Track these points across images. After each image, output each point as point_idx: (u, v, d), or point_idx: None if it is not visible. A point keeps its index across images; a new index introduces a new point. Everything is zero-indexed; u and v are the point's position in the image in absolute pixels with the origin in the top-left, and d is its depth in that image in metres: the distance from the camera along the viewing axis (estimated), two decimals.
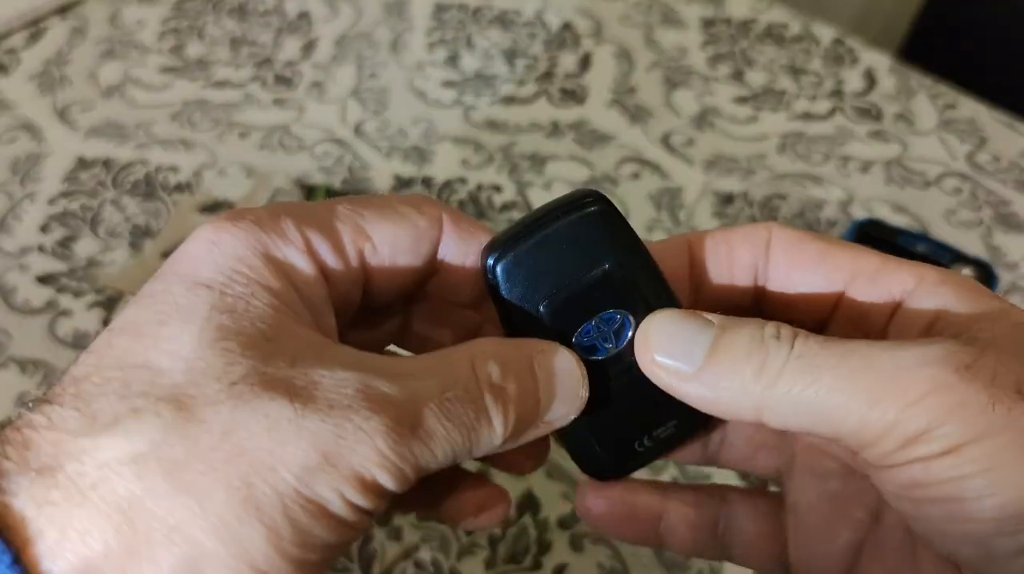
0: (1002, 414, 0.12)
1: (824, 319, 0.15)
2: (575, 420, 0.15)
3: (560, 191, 0.38)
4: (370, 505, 0.12)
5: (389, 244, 0.15)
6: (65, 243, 0.35)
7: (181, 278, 0.13)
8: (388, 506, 0.13)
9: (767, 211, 0.38)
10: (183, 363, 0.12)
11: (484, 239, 0.16)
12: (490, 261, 0.15)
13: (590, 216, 0.15)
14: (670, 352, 0.14)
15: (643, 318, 0.15)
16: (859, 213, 0.38)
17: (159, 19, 0.45)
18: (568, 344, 0.15)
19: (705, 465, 0.18)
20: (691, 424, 0.16)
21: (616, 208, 0.15)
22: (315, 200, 0.37)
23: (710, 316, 0.14)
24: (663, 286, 0.15)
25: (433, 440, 0.13)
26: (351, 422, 0.12)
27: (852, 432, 0.12)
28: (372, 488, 0.12)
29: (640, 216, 0.37)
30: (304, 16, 0.46)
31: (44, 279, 0.34)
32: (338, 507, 0.12)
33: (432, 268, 0.16)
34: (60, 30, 0.44)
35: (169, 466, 0.11)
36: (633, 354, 0.15)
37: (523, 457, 0.16)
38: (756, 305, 0.16)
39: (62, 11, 0.45)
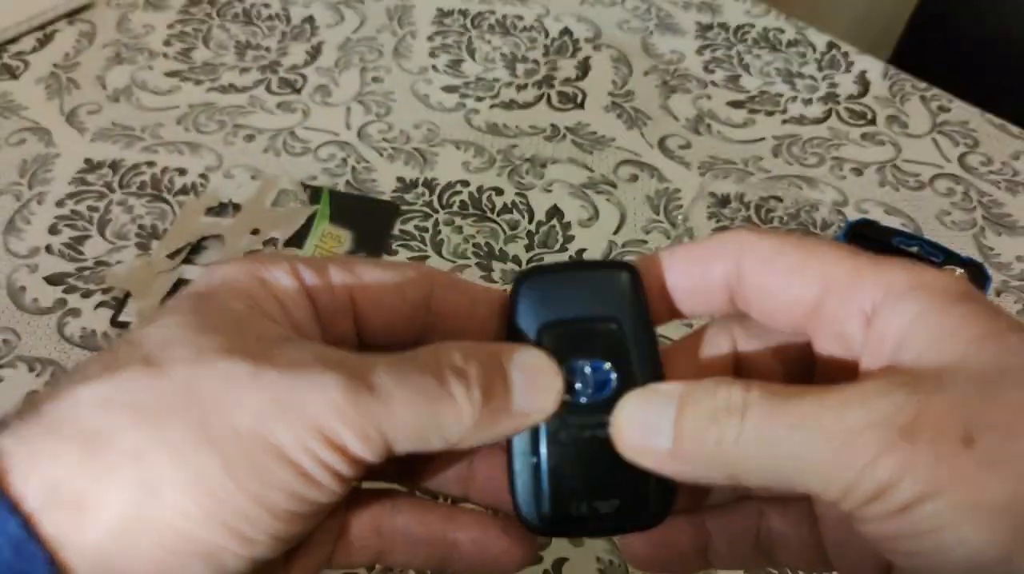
0: (945, 471, 0.12)
1: (805, 329, 0.15)
2: (524, 453, 0.15)
3: (560, 193, 0.39)
4: (338, 463, 0.13)
5: (376, 281, 0.16)
6: (73, 244, 0.36)
7: (179, 295, 0.15)
8: (363, 474, 0.13)
9: (762, 213, 0.38)
10: (161, 337, 0.13)
11: (479, 294, 0.16)
12: (517, 281, 0.16)
13: (617, 278, 0.16)
14: (643, 437, 0.14)
15: (625, 381, 0.15)
16: (853, 215, 0.38)
17: (166, 24, 0.46)
18: None
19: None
20: (634, 513, 0.16)
21: (642, 283, 0.16)
22: (320, 201, 0.38)
23: (669, 387, 0.14)
24: (655, 361, 0.16)
25: (393, 402, 0.13)
26: (306, 376, 0.13)
27: (819, 492, 0.13)
28: (338, 447, 0.13)
29: (638, 218, 0.38)
30: (309, 21, 0.46)
31: (52, 279, 0.34)
32: (299, 455, 0.13)
33: (426, 320, 0.16)
34: (68, 34, 0.45)
35: (133, 405, 0.12)
36: (603, 413, 0.15)
37: (505, 550, 0.16)
38: (737, 321, 0.16)
39: (71, 16, 0.45)
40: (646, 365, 0.16)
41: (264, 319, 0.14)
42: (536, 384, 0.15)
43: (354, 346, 0.16)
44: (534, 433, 0.15)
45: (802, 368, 0.16)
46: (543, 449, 0.15)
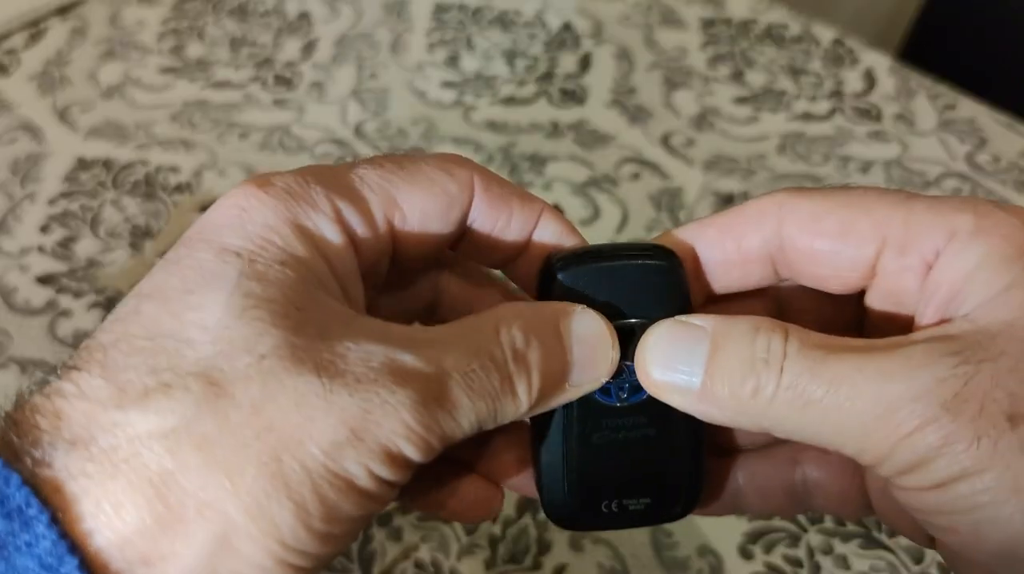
0: (987, 450, 0.11)
1: (860, 289, 0.14)
2: (554, 452, 0.15)
3: (560, 192, 0.38)
4: (395, 477, 0.12)
5: (419, 212, 0.14)
6: (65, 243, 0.35)
7: (208, 243, 0.13)
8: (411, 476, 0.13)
9: None
10: (211, 334, 0.12)
11: (516, 202, 0.16)
12: (551, 269, 0.15)
13: (658, 269, 0.15)
14: (669, 369, 0.14)
15: None
16: None
17: (159, 20, 0.45)
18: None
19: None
20: (663, 509, 0.16)
21: (684, 272, 0.15)
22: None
23: (701, 321, 0.14)
24: None
25: (459, 410, 0.13)
26: (378, 396, 0.12)
27: (852, 454, 0.13)
28: (398, 460, 0.12)
29: (640, 217, 0.37)
30: (304, 17, 0.46)
31: (44, 279, 0.34)
32: (365, 481, 0.12)
33: (462, 231, 0.16)
34: (60, 31, 0.44)
35: (200, 441, 0.11)
36: (637, 415, 0.15)
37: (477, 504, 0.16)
38: (778, 296, 0.16)
39: (62, 12, 0.45)
40: None
41: (320, 294, 0.13)
42: (594, 356, 0.14)
43: (385, 273, 0.15)
44: (566, 432, 0.15)
45: (850, 310, 0.15)
46: (575, 449, 0.15)
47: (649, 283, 0.15)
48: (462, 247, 0.16)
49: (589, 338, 0.14)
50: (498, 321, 0.13)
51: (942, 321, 0.13)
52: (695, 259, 0.15)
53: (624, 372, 0.15)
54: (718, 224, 0.15)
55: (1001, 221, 0.13)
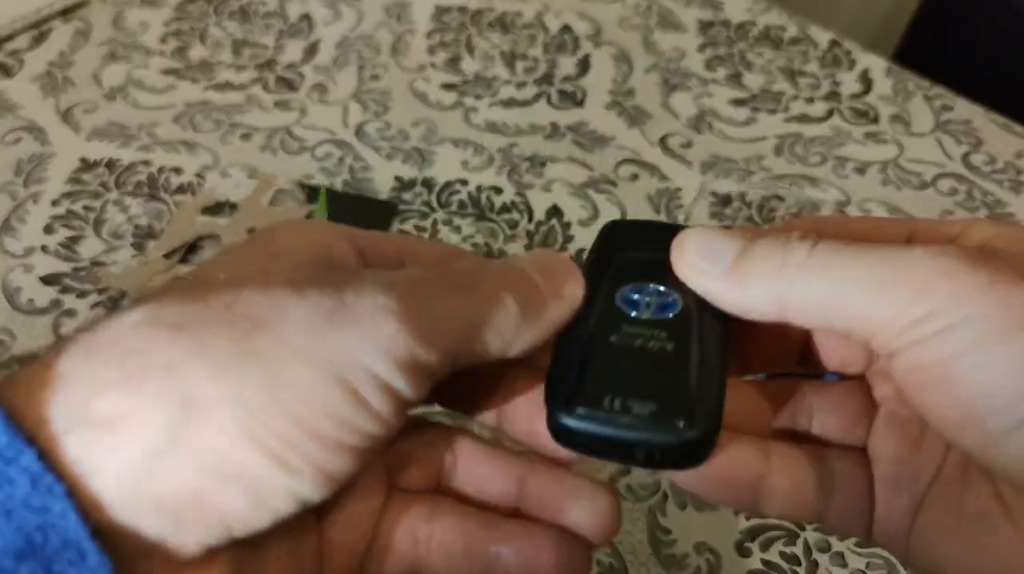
0: (1000, 295, 0.12)
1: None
2: (571, 343, 0.15)
3: (561, 193, 0.38)
4: (398, 379, 0.12)
5: (423, 250, 0.17)
6: (69, 244, 0.35)
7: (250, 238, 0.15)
8: (417, 392, 0.13)
9: (764, 212, 0.38)
10: (207, 267, 0.13)
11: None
12: (607, 225, 0.17)
13: None
14: (703, 255, 0.15)
15: (688, 314, 0.15)
16: (856, 214, 0.38)
17: (162, 22, 0.45)
18: (613, 291, 0.16)
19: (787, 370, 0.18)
20: (669, 423, 0.14)
21: None
22: (317, 200, 0.38)
23: (743, 231, 0.15)
24: (725, 319, 0.15)
25: (443, 299, 0.13)
26: (351, 287, 0.12)
27: (864, 317, 0.13)
28: (392, 352, 0.12)
29: (638, 217, 0.37)
30: (306, 19, 0.46)
31: (48, 279, 0.34)
32: (351, 373, 0.12)
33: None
34: (64, 32, 0.44)
35: (172, 324, 0.12)
36: (659, 330, 0.15)
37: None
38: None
39: (65, 13, 0.45)
40: (714, 318, 0.15)
41: (312, 265, 0.14)
42: (558, 274, 0.15)
43: None
44: (585, 327, 0.15)
45: None
46: (591, 343, 0.15)
47: None
48: None
49: (540, 262, 0.15)
50: (467, 262, 0.15)
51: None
52: None
53: (655, 292, 0.16)
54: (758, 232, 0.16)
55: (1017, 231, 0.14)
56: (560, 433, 0.15)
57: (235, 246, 0.14)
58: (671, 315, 0.15)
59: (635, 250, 0.16)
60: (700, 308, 0.15)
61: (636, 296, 0.15)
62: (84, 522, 0.11)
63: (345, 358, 0.12)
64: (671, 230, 0.16)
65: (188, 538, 0.12)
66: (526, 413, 0.16)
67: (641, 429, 0.14)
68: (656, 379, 0.15)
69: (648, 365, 0.15)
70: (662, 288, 0.15)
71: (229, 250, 0.14)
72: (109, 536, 0.11)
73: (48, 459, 0.11)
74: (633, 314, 0.15)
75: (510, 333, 0.14)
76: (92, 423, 0.11)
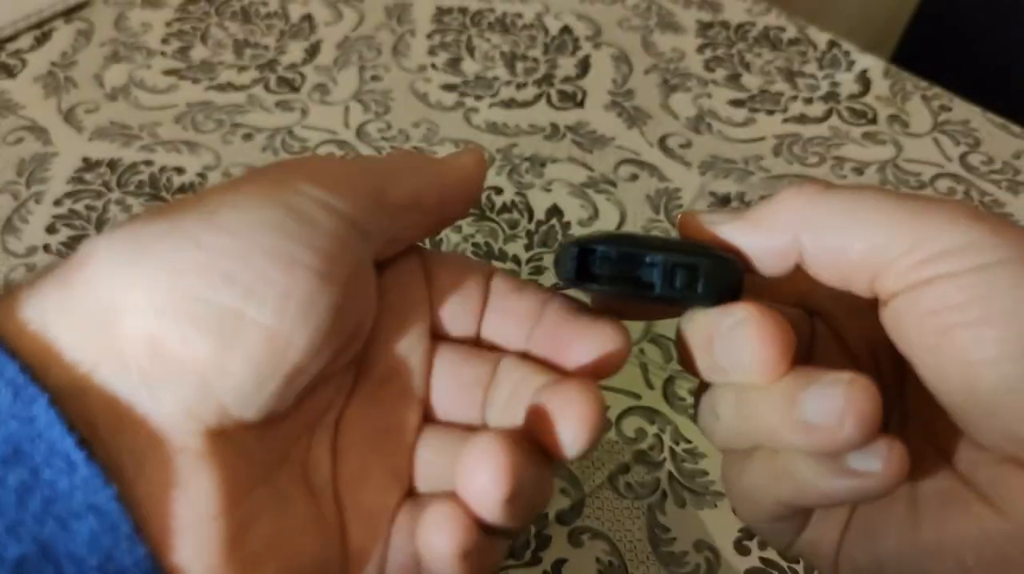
0: (1012, 242, 0.12)
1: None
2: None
3: (560, 193, 0.38)
4: (340, 203, 0.13)
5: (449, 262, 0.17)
6: (71, 243, 0.36)
7: None
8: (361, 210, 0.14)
9: None
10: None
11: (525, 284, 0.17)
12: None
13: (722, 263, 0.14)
14: (715, 215, 0.15)
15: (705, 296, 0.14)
16: None
17: (164, 22, 0.46)
18: (641, 261, 0.14)
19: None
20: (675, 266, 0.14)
21: (743, 279, 0.15)
22: None
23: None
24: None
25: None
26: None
27: (874, 251, 0.13)
28: (332, 195, 0.13)
29: (638, 217, 0.37)
30: (307, 19, 0.46)
31: None
32: (306, 205, 0.13)
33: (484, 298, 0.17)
34: (66, 33, 0.45)
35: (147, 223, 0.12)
36: (678, 294, 0.14)
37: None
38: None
39: (68, 14, 0.45)
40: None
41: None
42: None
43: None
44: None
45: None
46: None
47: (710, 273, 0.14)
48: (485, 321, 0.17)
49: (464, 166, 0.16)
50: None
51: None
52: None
53: (681, 269, 0.14)
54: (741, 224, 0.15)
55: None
56: (578, 262, 0.14)
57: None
58: (695, 283, 0.14)
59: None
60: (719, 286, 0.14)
61: (663, 275, 0.14)
62: (70, 431, 0.10)
63: (288, 197, 0.13)
64: (630, 244, 0.14)
65: (166, 399, 0.11)
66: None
67: (660, 248, 0.14)
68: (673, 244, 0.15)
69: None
70: (682, 266, 0.14)
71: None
72: (99, 437, 0.11)
73: (28, 373, 0.11)
74: (656, 291, 0.14)
75: (414, 187, 0.15)
76: (47, 293, 0.12)
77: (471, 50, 0.45)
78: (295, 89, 0.42)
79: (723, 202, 0.38)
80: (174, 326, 0.11)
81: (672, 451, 0.30)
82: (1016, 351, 0.12)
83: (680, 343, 0.16)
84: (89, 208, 0.37)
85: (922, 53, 0.68)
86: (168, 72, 0.43)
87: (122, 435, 0.11)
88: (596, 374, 0.15)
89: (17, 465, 0.10)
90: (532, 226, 0.37)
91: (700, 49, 0.45)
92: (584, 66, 0.44)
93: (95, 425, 0.11)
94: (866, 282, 0.14)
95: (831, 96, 0.43)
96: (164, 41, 0.44)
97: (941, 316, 0.12)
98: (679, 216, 0.15)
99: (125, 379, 0.11)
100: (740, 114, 0.42)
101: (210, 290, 0.11)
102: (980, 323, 0.12)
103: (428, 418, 0.16)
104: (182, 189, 0.38)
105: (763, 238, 0.14)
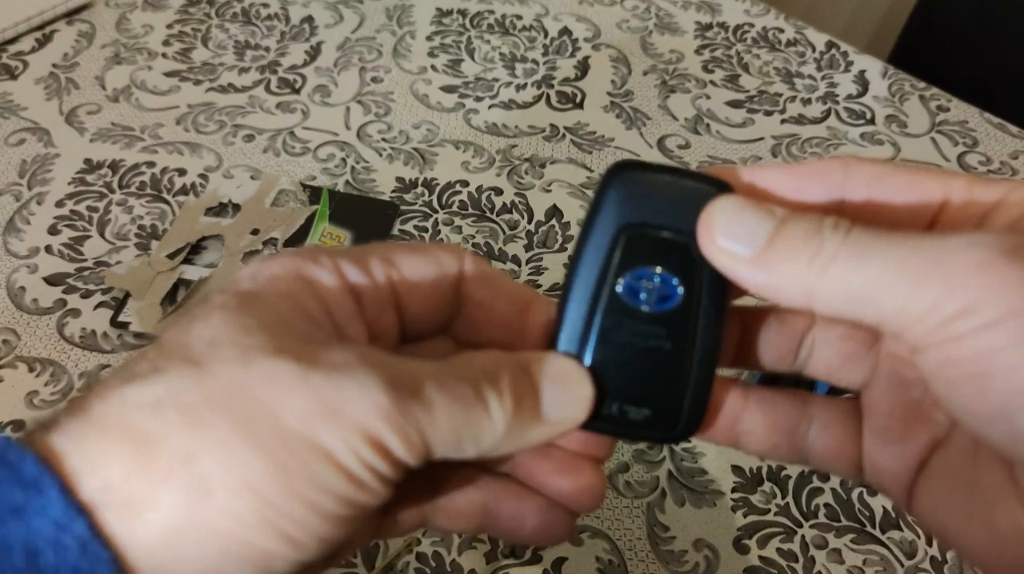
0: None
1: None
2: (571, 342, 0.15)
3: (560, 194, 0.39)
4: (384, 468, 0.13)
5: (415, 271, 0.16)
6: (73, 244, 0.36)
7: (224, 290, 0.15)
8: (404, 477, 0.14)
9: None
10: (208, 336, 0.13)
11: (505, 281, 0.17)
12: (611, 170, 0.15)
13: (710, 193, 0.15)
14: (732, 236, 0.14)
15: (690, 301, 0.15)
16: None
17: (165, 24, 0.46)
18: (618, 274, 0.15)
19: (792, 372, 0.18)
20: (662, 427, 0.16)
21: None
22: (320, 201, 0.38)
23: (773, 207, 0.14)
24: (725, 286, 0.15)
25: (434, 407, 0.13)
26: (352, 377, 0.13)
27: (896, 312, 0.13)
28: (381, 449, 0.13)
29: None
30: (308, 21, 0.46)
31: (52, 280, 0.34)
32: (347, 458, 0.13)
33: (457, 303, 0.17)
34: (68, 35, 0.45)
35: (183, 406, 0.12)
36: (657, 326, 0.15)
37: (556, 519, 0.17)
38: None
39: (70, 16, 0.45)
40: (715, 292, 0.15)
41: (308, 320, 0.14)
42: (566, 393, 0.15)
43: (397, 338, 0.16)
44: (587, 326, 0.15)
45: None
46: (591, 342, 0.15)
47: (697, 202, 0.15)
48: (460, 326, 0.17)
49: (560, 375, 0.15)
50: (471, 356, 0.15)
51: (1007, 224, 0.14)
52: (754, 194, 0.15)
53: (658, 280, 0.15)
54: (782, 169, 0.15)
55: None
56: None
57: (220, 296, 0.14)
58: (672, 306, 0.15)
59: (642, 214, 0.15)
60: (702, 295, 0.15)
61: (638, 284, 0.15)
62: None
63: (341, 446, 0.13)
64: (683, 183, 0.15)
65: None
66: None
67: (634, 430, 0.16)
68: (651, 383, 0.15)
69: (644, 367, 0.15)
70: (666, 276, 0.15)
71: (213, 303, 0.14)
72: None
73: (93, 530, 0.12)
74: (635, 305, 0.15)
75: (488, 446, 0.14)
76: (114, 506, 0.12)
77: (471, 52, 0.45)
78: (296, 90, 0.42)
79: None
80: (229, 563, 0.13)
81: (671, 450, 0.30)
82: None
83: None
84: (91, 209, 0.37)
85: (920, 54, 0.68)
86: (169, 74, 0.43)
87: None
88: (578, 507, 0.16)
89: None
90: (532, 227, 0.37)
91: (698, 50, 0.46)
92: (583, 67, 0.45)
93: None
94: (889, 333, 0.14)
95: (829, 97, 0.43)
96: (166, 43, 0.45)
97: (975, 364, 0.12)
98: (700, 221, 0.15)
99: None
100: (739, 115, 0.42)
101: (264, 539, 0.13)
102: (980, 382, 0.12)
103: None
104: (184, 190, 0.38)
105: (773, 287, 0.14)
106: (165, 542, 0.12)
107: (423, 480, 0.16)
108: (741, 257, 0.14)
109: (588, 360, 0.15)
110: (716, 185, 0.15)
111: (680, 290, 0.15)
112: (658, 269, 0.15)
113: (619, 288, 0.15)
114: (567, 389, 0.15)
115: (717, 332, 0.15)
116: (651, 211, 0.15)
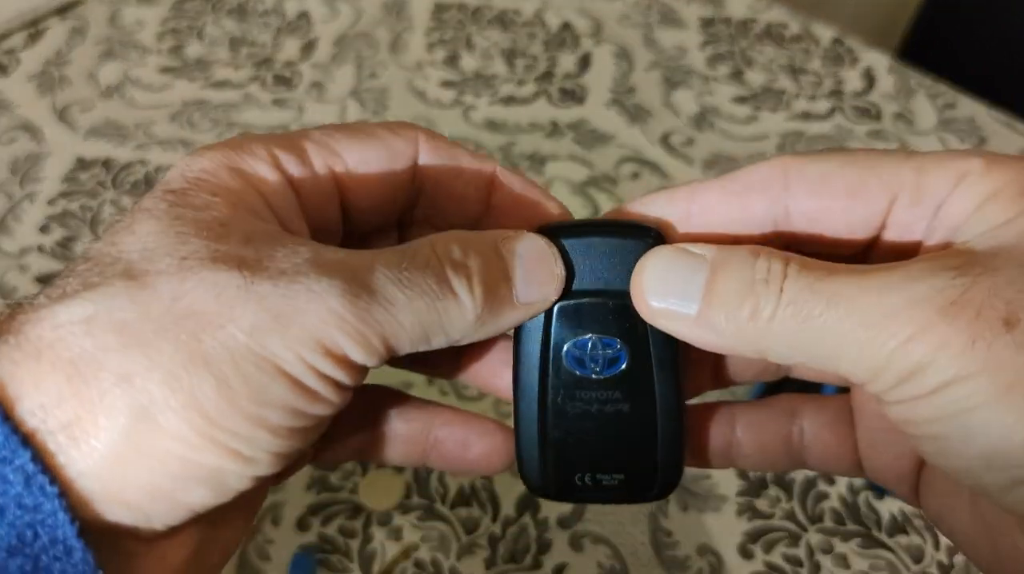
0: (982, 351, 0.11)
1: (866, 246, 0.14)
2: (531, 422, 0.15)
3: (560, 191, 0.38)
4: (341, 375, 0.12)
5: (361, 161, 0.15)
6: (65, 243, 0.35)
7: (152, 192, 0.14)
8: (362, 379, 0.13)
9: None
10: (139, 246, 0.12)
11: (465, 158, 0.15)
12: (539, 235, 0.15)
13: (641, 246, 0.14)
14: (665, 295, 0.13)
15: (636, 360, 0.15)
16: None
17: (158, 19, 0.45)
18: (559, 346, 0.15)
19: (779, 378, 0.17)
20: (638, 488, 0.16)
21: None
22: None
23: (700, 250, 0.13)
24: (670, 341, 0.15)
25: (395, 306, 0.12)
26: (301, 284, 0.12)
27: (847, 371, 0.13)
28: (337, 356, 0.12)
29: None
30: (303, 16, 0.46)
31: (44, 279, 0.34)
32: (298, 369, 0.12)
33: (414, 190, 0.16)
34: (59, 30, 0.44)
35: (119, 325, 0.12)
36: (612, 390, 0.15)
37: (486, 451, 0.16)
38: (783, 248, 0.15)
39: (61, 11, 0.45)
40: (662, 344, 0.15)
41: (249, 216, 0.13)
42: (537, 272, 0.14)
43: (340, 231, 0.15)
44: (541, 401, 0.15)
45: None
46: (549, 419, 0.15)
47: (629, 258, 0.14)
48: (419, 212, 0.16)
49: (530, 253, 0.14)
50: (433, 240, 0.14)
51: (943, 247, 0.13)
52: (689, 224, 0.15)
53: (599, 345, 0.15)
54: (719, 188, 0.14)
55: (1009, 164, 0.13)
56: (536, 494, 0.16)
57: (149, 199, 0.13)
58: (621, 368, 0.15)
59: (572, 281, 0.15)
60: (650, 350, 0.15)
61: (581, 354, 0.15)
62: (72, 521, 0.11)
63: (290, 357, 0.12)
64: (610, 240, 0.15)
65: (156, 524, 0.12)
66: (489, 371, 0.17)
67: (613, 496, 0.16)
68: (620, 448, 0.15)
69: (608, 433, 0.15)
70: (607, 340, 0.15)
71: (141, 207, 0.13)
72: (87, 529, 0.11)
73: (38, 463, 0.11)
74: (584, 374, 0.15)
75: (458, 334, 0.13)
76: (53, 431, 0.11)
77: (470, 47, 0.44)
78: (291, 87, 0.42)
79: None
80: (178, 483, 0.12)
81: None
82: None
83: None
84: (84, 208, 0.36)
85: (927, 49, 0.67)
86: (163, 70, 0.42)
87: (104, 526, 0.12)
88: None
89: (20, 554, 0.11)
90: None
91: (702, 46, 0.45)
92: (584, 63, 0.44)
93: (85, 517, 0.12)
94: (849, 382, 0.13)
95: (835, 93, 0.43)
96: (159, 38, 0.44)
97: (932, 426, 0.12)
98: (632, 286, 0.14)
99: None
100: (743, 111, 0.42)
101: (212, 457, 0.12)
102: (940, 442, 0.12)
103: None
104: None
105: (724, 346, 0.13)
106: (109, 467, 0.11)
107: (361, 407, 0.16)
108: (681, 316, 0.13)
109: (550, 437, 0.15)
110: (644, 235, 0.14)
111: (624, 351, 0.15)
112: (595, 336, 0.15)
113: (565, 361, 0.15)
114: (539, 267, 0.14)
115: (674, 383, 0.15)
116: (582, 276, 0.15)
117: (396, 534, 0.27)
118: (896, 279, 0.12)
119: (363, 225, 0.16)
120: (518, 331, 0.15)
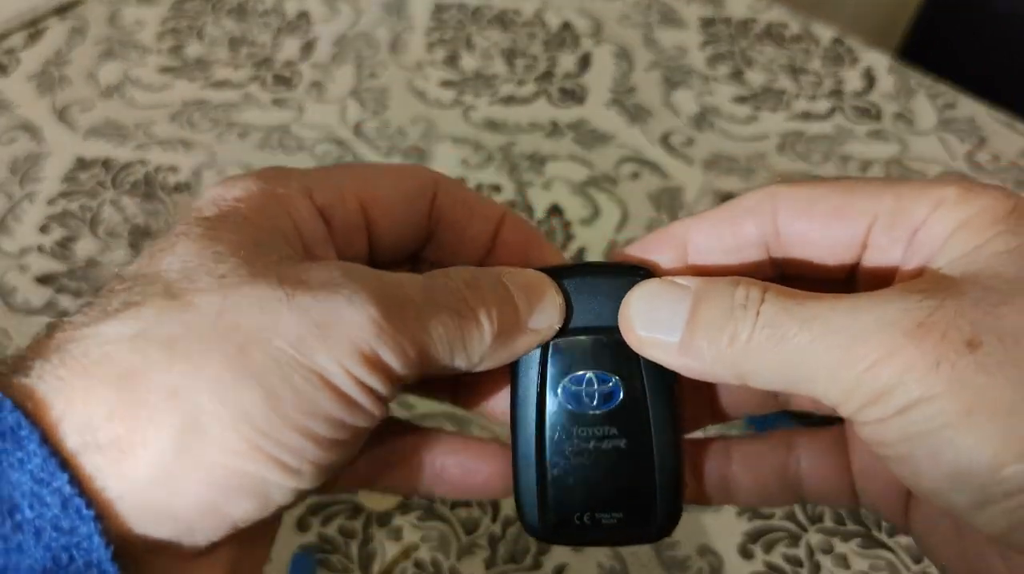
0: (946, 372, 0.11)
1: (851, 270, 0.15)
2: (528, 462, 0.15)
3: (560, 191, 0.38)
4: (379, 385, 0.13)
5: (387, 196, 0.16)
6: (64, 243, 0.35)
7: (187, 216, 0.14)
8: (395, 393, 0.13)
9: None
10: (178, 266, 0.13)
11: (476, 201, 0.17)
12: None
13: (629, 283, 0.15)
14: (652, 325, 0.14)
15: (632, 394, 0.15)
16: None
17: (158, 19, 0.45)
18: (556, 382, 0.15)
19: (777, 410, 0.18)
20: (638, 526, 0.16)
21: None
22: None
23: (685, 281, 0.14)
24: (664, 372, 0.15)
25: (426, 317, 0.13)
26: (341, 295, 0.13)
27: (822, 394, 0.13)
28: (376, 364, 0.13)
29: (640, 216, 0.37)
30: (303, 16, 0.46)
31: (43, 279, 0.34)
32: (341, 379, 0.12)
33: (429, 229, 0.17)
34: (59, 30, 0.44)
35: (166, 341, 0.12)
36: (609, 426, 0.15)
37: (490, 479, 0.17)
38: (776, 275, 0.16)
39: (61, 11, 0.45)
40: (657, 378, 0.15)
41: (281, 240, 0.14)
42: (539, 301, 0.15)
43: (367, 263, 0.16)
44: (539, 441, 0.15)
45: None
46: (547, 458, 0.15)
47: (619, 296, 0.15)
48: (428, 251, 0.17)
49: (532, 284, 0.15)
50: (449, 270, 0.15)
51: (917, 272, 0.14)
52: (686, 256, 0.16)
53: (595, 381, 0.15)
54: (712, 216, 0.15)
55: (984, 192, 0.13)
56: (534, 536, 0.16)
57: (182, 225, 0.14)
58: (617, 403, 0.15)
59: (571, 315, 0.15)
60: (645, 385, 0.15)
61: (577, 390, 0.15)
62: (107, 545, 0.11)
63: (334, 367, 0.12)
64: (599, 280, 0.15)
65: (199, 539, 0.12)
66: (491, 397, 0.17)
67: (611, 535, 0.16)
68: (618, 486, 0.15)
69: (608, 470, 0.15)
70: (601, 375, 0.15)
71: (176, 232, 0.13)
72: (124, 548, 0.12)
73: (76, 485, 0.11)
74: (580, 410, 0.15)
75: (478, 357, 0.14)
76: (101, 447, 0.12)
77: (470, 47, 0.44)
78: (291, 86, 0.42)
79: (726, 200, 0.38)
80: (225, 496, 0.12)
81: None
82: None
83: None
84: (83, 208, 0.36)
85: (927, 49, 0.67)
86: (163, 70, 0.42)
87: (146, 542, 0.12)
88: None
89: None
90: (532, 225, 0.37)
91: (702, 46, 0.45)
92: (584, 63, 0.44)
93: (125, 535, 0.12)
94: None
95: (835, 93, 0.43)
96: (159, 38, 0.44)
97: (900, 447, 0.12)
98: (620, 318, 0.15)
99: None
100: (743, 111, 0.42)
101: (259, 469, 0.12)
102: (909, 463, 0.12)
103: None
104: (177, 188, 0.37)
105: (706, 372, 0.14)
106: (157, 480, 0.12)
107: (370, 439, 0.16)
108: (667, 344, 0.14)
109: (548, 476, 0.15)
110: (634, 273, 0.15)
111: (620, 386, 0.15)
112: (591, 372, 0.15)
113: (560, 398, 0.15)
114: (540, 297, 0.15)
115: (670, 417, 0.15)
116: (576, 314, 0.15)
117: (396, 534, 0.27)
118: (866, 302, 0.12)
119: (382, 260, 0.16)
120: (515, 368, 0.15)
